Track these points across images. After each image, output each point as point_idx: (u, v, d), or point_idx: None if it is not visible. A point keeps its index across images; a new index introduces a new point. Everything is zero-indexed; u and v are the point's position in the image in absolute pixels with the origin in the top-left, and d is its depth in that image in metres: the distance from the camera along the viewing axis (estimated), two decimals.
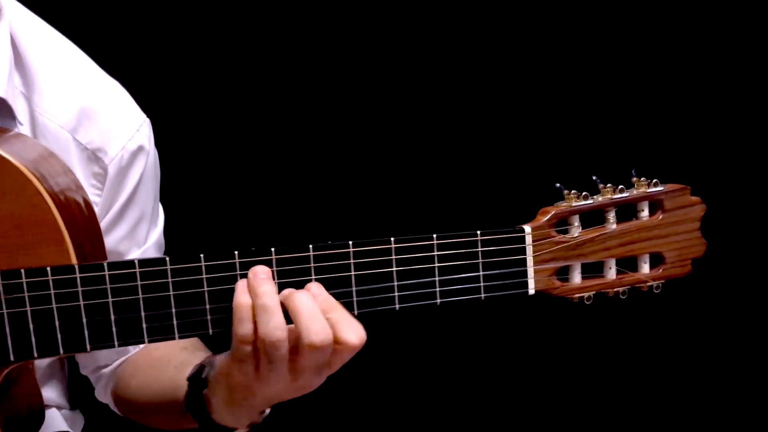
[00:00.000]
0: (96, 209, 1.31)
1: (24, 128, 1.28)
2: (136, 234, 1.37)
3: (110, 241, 1.34)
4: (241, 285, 1.09)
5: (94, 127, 1.31)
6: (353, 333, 1.08)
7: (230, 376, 1.12)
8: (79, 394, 1.55)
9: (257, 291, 1.07)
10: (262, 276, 1.08)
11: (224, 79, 2.09)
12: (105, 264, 1.08)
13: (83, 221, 1.15)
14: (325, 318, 1.07)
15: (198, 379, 1.19)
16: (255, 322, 1.07)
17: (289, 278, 1.10)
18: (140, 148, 1.35)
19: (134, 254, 1.37)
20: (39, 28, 1.34)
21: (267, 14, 2.08)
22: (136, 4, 2.04)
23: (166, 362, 1.32)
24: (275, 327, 1.06)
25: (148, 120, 1.37)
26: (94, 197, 1.32)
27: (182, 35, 2.06)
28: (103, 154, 1.32)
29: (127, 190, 1.35)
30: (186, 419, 1.24)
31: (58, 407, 1.47)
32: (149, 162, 1.37)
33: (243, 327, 1.08)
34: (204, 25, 2.07)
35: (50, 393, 1.45)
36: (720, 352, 2.20)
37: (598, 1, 2.07)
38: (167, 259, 1.09)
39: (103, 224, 1.32)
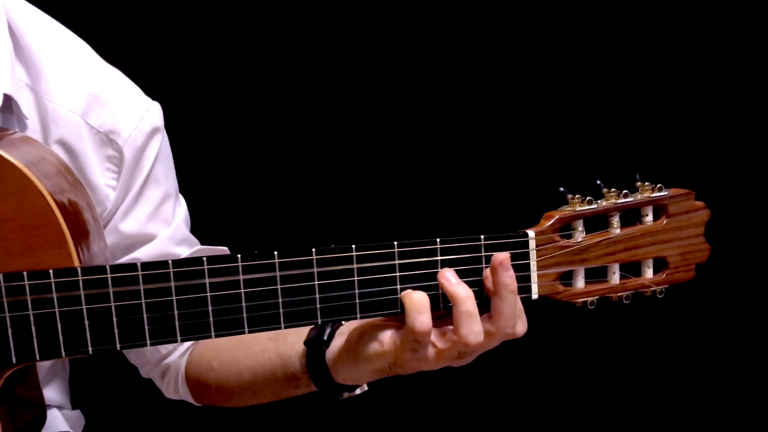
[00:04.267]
0: (113, 193, 1.33)
1: (32, 121, 1.28)
2: (162, 213, 1.37)
3: (135, 223, 1.35)
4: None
5: (104, 110, 1.31)
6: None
7: (398, 356, 1.14)
8: (80, 394, 1.55)
9: (458, 296, 1.10)
10: (455, 280, 1.11)
11: (226, 82, 2.08)
12: (107, 267, 1.08)
13: (86, 223, 1.14)
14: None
15: (320, 341, 1.21)
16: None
17: (293, 283, 1.10)
18: (154, 129, 1.35)
19: (165, 233, 1.36)
20: (37, 18, 1.33)
21: (267, 16, 2.07)
22: (133, 5, 2.04)
23: (252, 335, 1.31)
24: (479, 332, 1.10)
25: (157, 103, 1.37)
26: (110, 181, 1.32)
27: (181, 37, 2.05)
28: (116, 136, 1.32)
29: (145, 169, 1.34)
30: (291, 386, 1.26)
31: (60, 407, 1.48)
32: (164, 142, 1.37)
33: (422, 323, 1.10)
34: (204, 29, 2.07)
35: (52, 393, 1.45)
36: (723, 356, 2.20)
37: (601, 5, 2.07)
38: (170, 262, 1.08)
39: (123, 206, 1.34)
